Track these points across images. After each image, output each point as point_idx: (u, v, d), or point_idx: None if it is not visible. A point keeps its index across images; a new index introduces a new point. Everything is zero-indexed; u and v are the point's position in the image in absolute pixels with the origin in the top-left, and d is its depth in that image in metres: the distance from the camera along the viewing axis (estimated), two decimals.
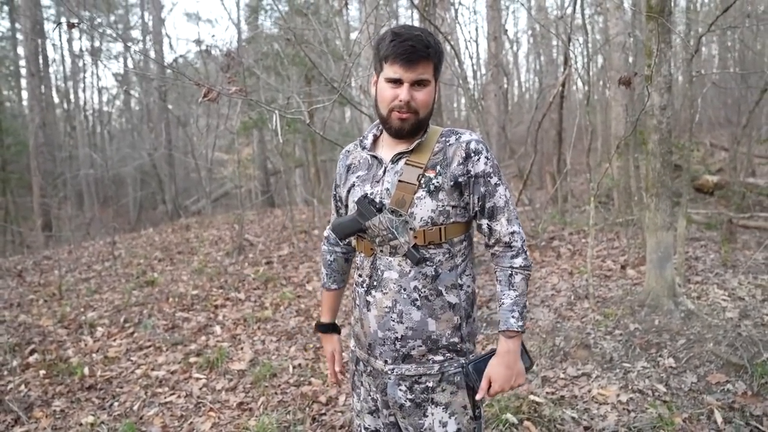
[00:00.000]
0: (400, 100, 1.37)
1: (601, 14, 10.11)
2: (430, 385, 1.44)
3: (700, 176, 8.82)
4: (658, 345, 3.31)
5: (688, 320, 3.53)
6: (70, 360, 3.92)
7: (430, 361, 1.44)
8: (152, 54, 15.69)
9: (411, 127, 1.41)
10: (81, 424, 3.02)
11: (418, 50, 1.34)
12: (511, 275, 1.43)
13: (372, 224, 1.41)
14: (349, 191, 1.53)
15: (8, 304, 5.49)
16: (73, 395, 3.41)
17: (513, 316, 1.41)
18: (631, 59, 8.21)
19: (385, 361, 1.46)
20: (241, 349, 4.00)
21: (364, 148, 1.53)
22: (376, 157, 1.48)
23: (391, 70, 1.37)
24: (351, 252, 1.69)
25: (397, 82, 1.37)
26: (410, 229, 1.39)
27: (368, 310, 1.47)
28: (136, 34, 20.36)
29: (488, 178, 1.41)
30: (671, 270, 3.75)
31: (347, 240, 1.57)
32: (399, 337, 1.43)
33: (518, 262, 1.44)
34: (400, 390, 1.45)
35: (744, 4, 9.88)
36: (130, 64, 16.42)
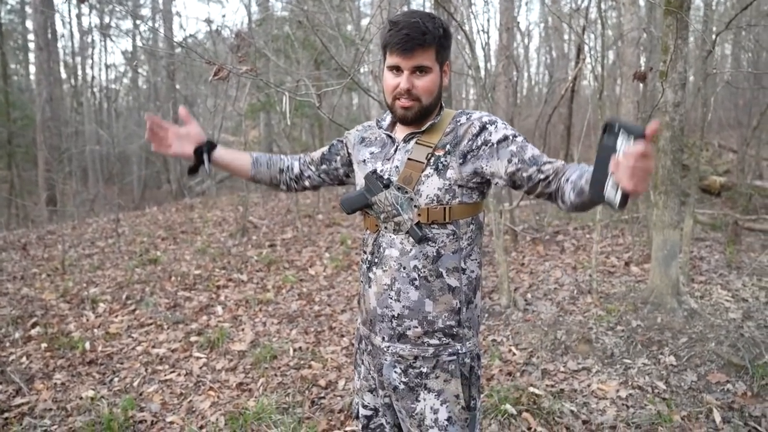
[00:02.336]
0: (401, 89, 1.37)
1: (615, 8, 9.99)
2: (424, 370, 1.44)
3: (708, 177, 8.77)
4: (660, 342, 3.31)
5: (690, 319, 3.53)
6: (71, 334, 3.94)
7: (425, 344, 1.44)
8: (162, 32, 15.61)
9: (414, 115, 1.40)
10: (81, 398, 3.04)
11: (413, 38, 1.32)
12: (581, 166, 1.26)
13: (378, 200, 1.43)
14: (360, 166, 1.54)
15: (12, 276, 5.52)
16: (73, 369, 3.43)
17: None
18: (643, 56, 8.12)
19: (383, 338, 1.48)
20: (242, 330, 4.01)
21: (380, 127, 1.55)
22: (390, 136, 1.50)
23: (391, 59, 1.37)
24: (291, 181, 1.69)
25: (398, 69, 1.37)
26: (415, 206, 1.39)
27: (369, 287, 1.49)
28: (146, 12, 20.27)
29: (514, 138, 1.36)
30: (676, 268, 3.73)
31: (353, 212, 1.54)
32: (396, 315, 1.44)
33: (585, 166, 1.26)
34: (395, 372, 1.47)
35: (761, 4, 9.75)
36: (139, 42, 16.35)
